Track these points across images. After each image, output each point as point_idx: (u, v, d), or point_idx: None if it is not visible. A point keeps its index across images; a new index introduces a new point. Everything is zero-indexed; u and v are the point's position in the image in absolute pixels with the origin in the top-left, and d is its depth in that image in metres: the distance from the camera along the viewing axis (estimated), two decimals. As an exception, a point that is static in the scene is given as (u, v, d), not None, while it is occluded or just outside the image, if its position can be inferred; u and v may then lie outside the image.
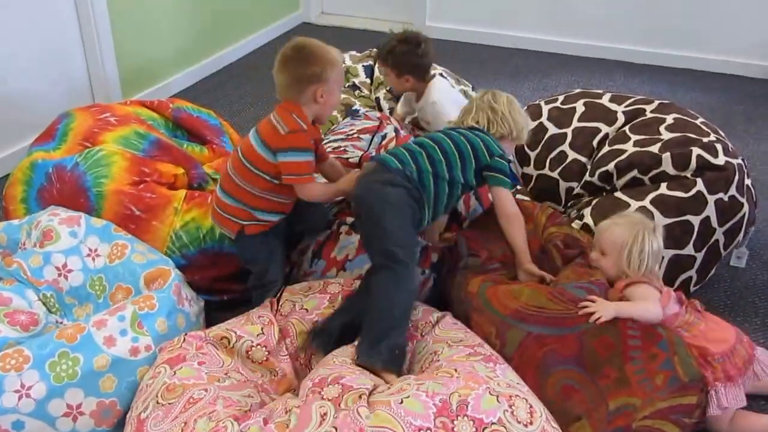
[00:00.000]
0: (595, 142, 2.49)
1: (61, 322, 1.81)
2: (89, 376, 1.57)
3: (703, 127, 2.34)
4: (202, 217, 2.07)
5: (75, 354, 1.57)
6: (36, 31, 2.92)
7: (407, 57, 2.42)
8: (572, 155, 2.47)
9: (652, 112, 2.47)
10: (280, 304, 1.82)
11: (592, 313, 1.66)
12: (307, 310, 1.78)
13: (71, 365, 1.55)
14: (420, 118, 2.63)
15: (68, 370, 1.55)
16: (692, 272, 2.18)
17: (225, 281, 2.12)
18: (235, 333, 1.67)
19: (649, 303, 1.74)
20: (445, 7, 4.52)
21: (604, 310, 1.66)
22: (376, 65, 2.86)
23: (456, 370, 1.46)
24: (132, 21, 3.33)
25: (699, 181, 2.15)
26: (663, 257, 1.91)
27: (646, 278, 1.82)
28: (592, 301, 1.70)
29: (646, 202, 2.14)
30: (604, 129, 2.49)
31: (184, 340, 1.64)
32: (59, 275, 1.84)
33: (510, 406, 1.38)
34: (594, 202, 2.29)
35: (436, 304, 1.90)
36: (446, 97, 2.53)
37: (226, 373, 1.58)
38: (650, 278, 1.83)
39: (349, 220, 2.06)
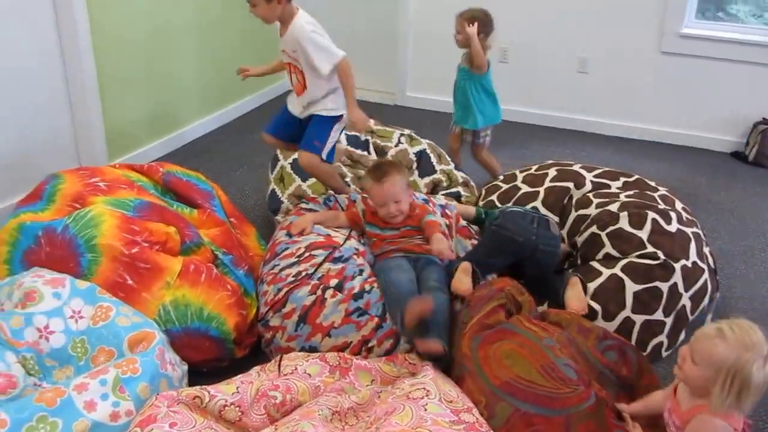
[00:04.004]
0: (565, 200, 2.62)
1: (40, 385, 1.78)
2: (68, 441, 1.53)
3: (660, 201, 2.50)
4: (193, 295, 2.06)
5: (54, 418, 1.55)
6: (24, 90, 2.98)
7: None
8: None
9: (617, 188, 2.63)
10: (281, 367, 1.84)
11: (580, 397, 1.67)
12: (309, 374, 1.80)
13: (50, 430, 1.53)
14: (286, 50, 2.53)
15: (46, 435, 1.52)
16: (663, 337, 2.26)
17: (201, 363, 2.09)
18: (209, 392, 1.66)
19: None
20: (426, 77, 4.70)
21: None
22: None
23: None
24: (120, 83, 3.42)
25: (660, 252, 2.25)
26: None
27: (727, 413, 1.52)
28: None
29: (617, 269, 2.24)
30: (573, 190, 2.65)
31: (156, 398, 1.63)
32: (40, 337, 1.82)
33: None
34: (570, 271, 2.38)
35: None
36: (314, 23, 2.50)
37: None
38: (732, 413, 1.53)
39: (333, 282, 2.10)
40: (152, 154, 3.66)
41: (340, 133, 2.61)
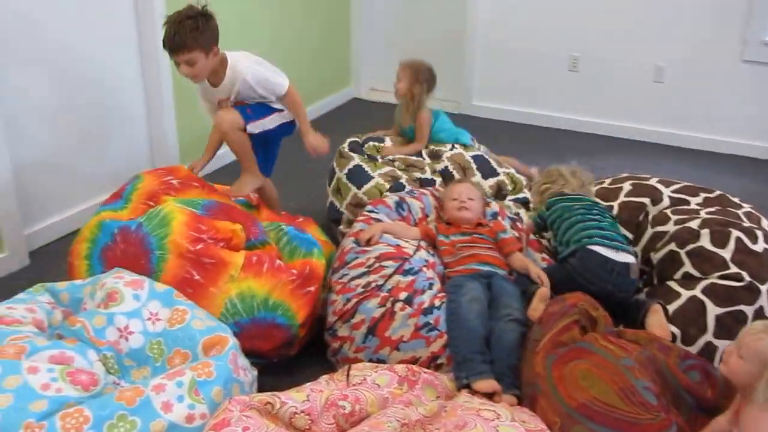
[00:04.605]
0: (641, 217, 2.53)
1: (118, 384, 1.84)
2: (145, 440, 1.57)
3: (744, 218, 2.38)
4: (258, 286, 2.12)
5: (133, 417, 1.59)
6: (104, 99, 3.12)
7: (213, 24, 2.33)
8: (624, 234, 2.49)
9: (697, 204, 2.52)
10: (350, 377, 1.84)
11: (662, 425, 1.60)
12: (378, 385, 1.79)
13: (128, 429, 1.58)
14: (222, 99, 2.50)
15: (125, 434, 1.56)
16: (747, 364, 2.15)
17: (271, 350, 2.16)
18: (280, 399, 1.67)
19: None
20: (492, 86, 4.66)
21: None
22: None
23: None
24: (193, 91, 3.52)
25: (744, 273, 2.14)
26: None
27: None
28: None
29: (697, 291, 2.14)
30: (649, 206, 2.55)
31: (229, 402, 1.65)
32: (120, 336, 1.87)
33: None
34: (645, 290, 2.31)
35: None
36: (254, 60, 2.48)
37: None
38: None
39: (403, 295, 2.09)
40: (220, 161, 3.74)
41: (277, 126, 2.59)
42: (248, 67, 2.43)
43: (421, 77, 3.05)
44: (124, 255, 2.14)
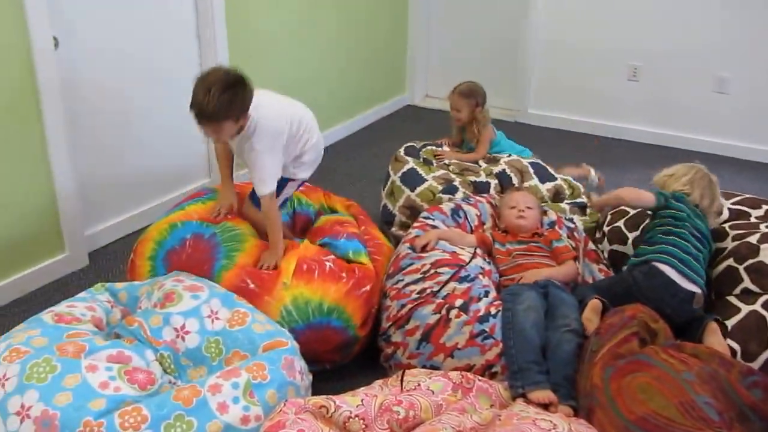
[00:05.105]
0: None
1: (175, 383, 1.85)
2: (201, 441, 1.58)
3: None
4: (310, 292, 2.13)
5: (190, 417, 1.61)
6: (165, 103, 3.20)
7: (248, 91, 2.11)
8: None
9: (756, 218, 2.42)
10: (404, 383, 1.83)
11: None
12: (432, 391, 1.78)
13: (186, 429, 1.59)
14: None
15: (182, 434, 1.58)
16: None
17: (329, 353, 2.17)
18: (334, 402, 1.66)
19: None
20: (549, 95, 4.61)
21: None
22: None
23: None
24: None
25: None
26: None
27: None
28: None
29: (758, 306, 2.06)
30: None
31: (284, 405, 1.65)
32: (177, 336, 1.89)
33: None
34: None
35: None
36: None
37: None
38: None
39: (458, 302, 2.07)
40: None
41: (297, 188, 2.58)
42: (255, 150, 2.21)
43: (480, 101, 3.09)
44: (189, 259, 2.19)
